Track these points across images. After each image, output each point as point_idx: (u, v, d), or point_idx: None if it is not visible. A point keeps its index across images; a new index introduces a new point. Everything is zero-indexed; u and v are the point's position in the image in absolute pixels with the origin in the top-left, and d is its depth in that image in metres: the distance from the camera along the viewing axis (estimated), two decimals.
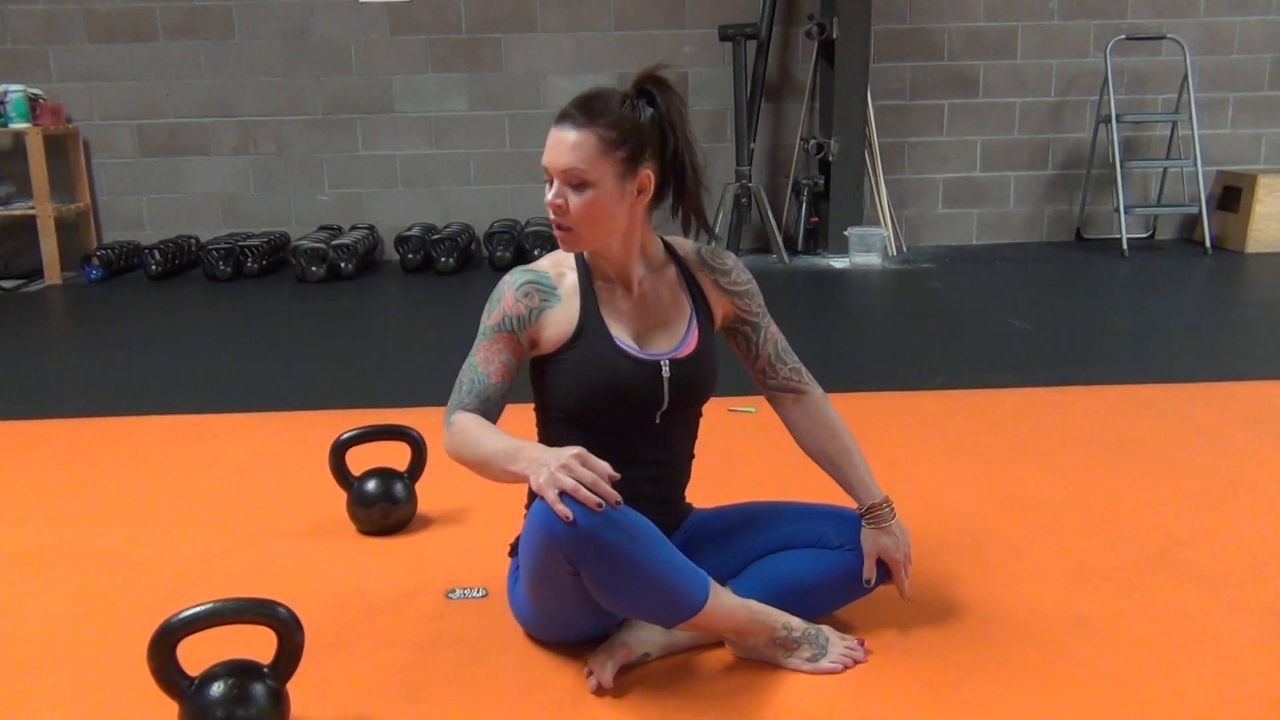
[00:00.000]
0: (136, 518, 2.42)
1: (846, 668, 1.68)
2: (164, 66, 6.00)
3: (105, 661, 1.77)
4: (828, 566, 1.75)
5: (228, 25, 5.96)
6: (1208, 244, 5.98)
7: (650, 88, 1.65)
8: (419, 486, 2.34)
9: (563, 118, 1.63)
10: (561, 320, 1.69)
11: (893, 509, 1.77)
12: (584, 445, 1.68)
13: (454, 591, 1.98)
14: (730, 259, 1.83)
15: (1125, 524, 2.26)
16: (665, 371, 1.70)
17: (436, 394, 3.19)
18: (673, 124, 1.65)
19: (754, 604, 1.68)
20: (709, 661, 1.72)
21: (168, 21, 5.94)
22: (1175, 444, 2.76)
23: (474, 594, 1.97)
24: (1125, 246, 5.90)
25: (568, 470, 1.47)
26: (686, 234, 1.77)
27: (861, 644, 1.73)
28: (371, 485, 2.27)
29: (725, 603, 1.64)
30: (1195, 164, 5.97)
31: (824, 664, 1.68)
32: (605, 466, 1.50)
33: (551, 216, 1.65)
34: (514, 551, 1.83)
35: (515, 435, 1.60)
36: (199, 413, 3.23)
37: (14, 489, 2.62)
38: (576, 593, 1.57)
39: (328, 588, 2.03)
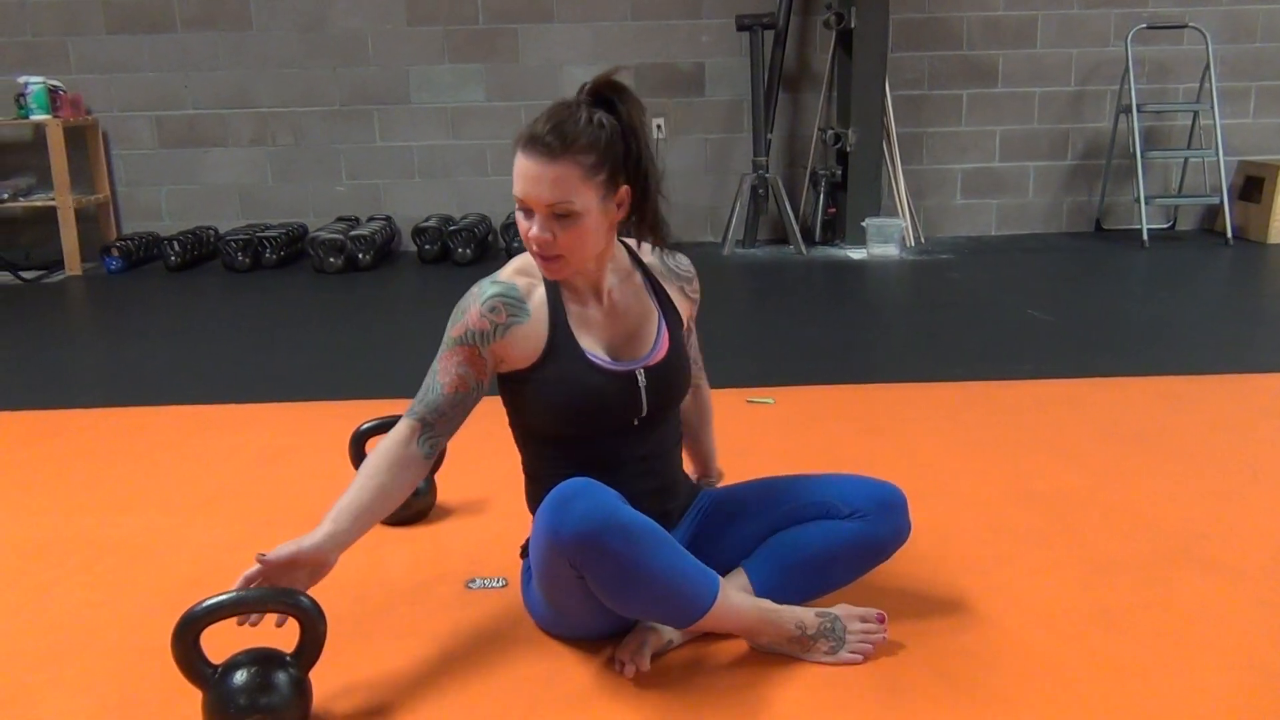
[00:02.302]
0: (157, 507, 2.44)
1: (867, 656, 1.67)
2: (182, 58, 6.02)
3: (128, 650, 1.78)
4: (838, 537, 1.73)
5: (245, 16, 5.98)
6: (1229, 235, 5.94)
7: (609, 94, 1.58)
8: (438, 477, 2.35)
9: (534, 144, 1.53)
10: (531, 336, 1.65)
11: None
12: (566, 458, 1.69)
13: (474, 581, 1.98)
14: (689, 264, 1.84)
15: (1145, 516, 2.25)
16: (641, 380, 1.68)
17: None
18: (634, 131, 1.58)
19: (765, 604, 1.67)
20: (726, 653, 1.72)
21: (186, 13, 5.96)
22: (1195, 436, 2.75)
23: (493, 584, 1.98)
24: (1145, 237, 5.86)
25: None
26: (640, 242, 1.74)
27: (881, 620, 1.71)
28: None
29: (735, 603, 1.63)
30: (1217, 154, 5.92)
31: (843, 655, 1.67)
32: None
33: (535, 250, 1.59)
34: (525, 553, 1.83)
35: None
36: (218, 403, 3.25)
37: (35, 479, 2.64)
38: (587, 594, 1.57)
39: (348, 577, 2.03)
